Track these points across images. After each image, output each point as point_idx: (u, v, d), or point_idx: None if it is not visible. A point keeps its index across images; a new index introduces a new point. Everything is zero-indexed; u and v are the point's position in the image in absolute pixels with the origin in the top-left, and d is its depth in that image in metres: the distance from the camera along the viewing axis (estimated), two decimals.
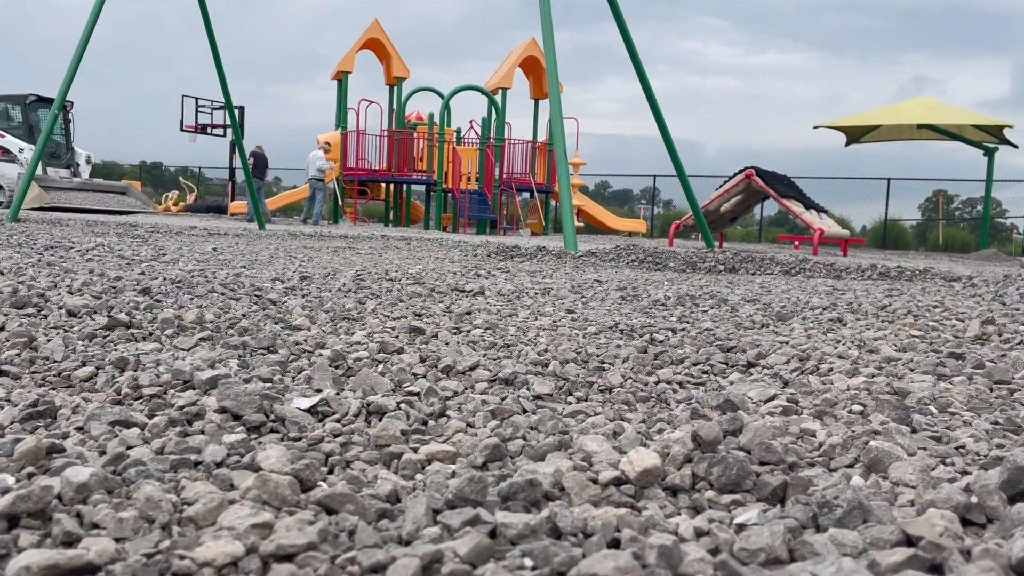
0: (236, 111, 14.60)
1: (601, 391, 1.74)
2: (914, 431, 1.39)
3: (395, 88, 19.92)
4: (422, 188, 20.14)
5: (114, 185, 18.57)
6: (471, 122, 20.05)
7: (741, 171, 13.15)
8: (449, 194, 18.25)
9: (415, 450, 1.23)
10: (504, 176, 18.49)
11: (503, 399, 1.59)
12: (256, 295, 3.04)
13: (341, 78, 19.37)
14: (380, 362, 1.90)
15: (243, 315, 2.52)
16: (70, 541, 0.84)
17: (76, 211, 15.90)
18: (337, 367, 1.81)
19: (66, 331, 2.12)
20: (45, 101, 18.77)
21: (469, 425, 1.42)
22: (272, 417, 1.37)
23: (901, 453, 1.19)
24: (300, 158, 18.08)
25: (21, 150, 17.63)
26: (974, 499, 0.98)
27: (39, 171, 17.27)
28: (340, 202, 19.21)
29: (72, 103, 19.40)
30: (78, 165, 19.38)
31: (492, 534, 0.89)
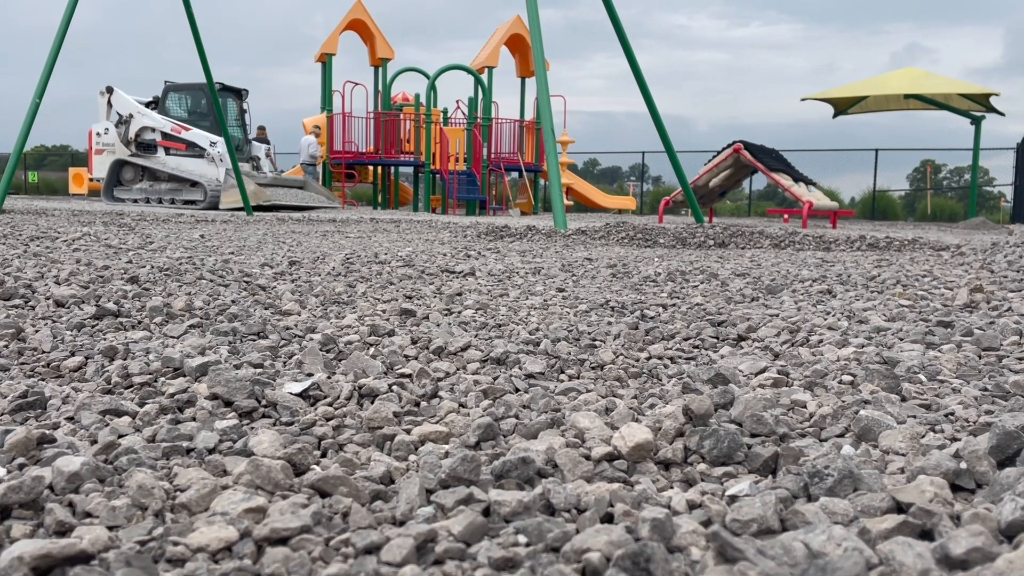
0: (242, 92, 13.70)
1: (593, 368, 1.75)
2: (904, 399, 1.40)
3: (380, 69, 19.77)
4: (410, 170, 20.05)
5: (296, 180, 16.95)
6: (458, 102, 19.95)
7: (729, 145, 13.14)
8: (437, 175, 18.16)
9: (408, 431, 1.24)
10: (492, 156, 18.42)
11: (495, 379, 1.59)
12: (245, 281, 3.03)
13: (325, 60, 19.21)
14: (371, 345, 1.90)
15: (232, 301, 2.51)
16: (63, 531, 0.84)
17: (281, 208, 14.59)
18: (328, 351, 1.81)
19: (54, 321, 2.10)
20: (228, 90, 16.81)
21: (461, 405, 1.42)
22: (264, 402, 1.37)
23: (891, 421, 1.20)
24: (286, 141, 17.77)
25: (213, 144, 15.53)
26: (963, 465, 0.99)
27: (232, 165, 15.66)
28: (328, 187, 19.08)
29: (247, 91, 17.19)
30: (258, 159, 17.22)
31: (486, 512, 0.89)
